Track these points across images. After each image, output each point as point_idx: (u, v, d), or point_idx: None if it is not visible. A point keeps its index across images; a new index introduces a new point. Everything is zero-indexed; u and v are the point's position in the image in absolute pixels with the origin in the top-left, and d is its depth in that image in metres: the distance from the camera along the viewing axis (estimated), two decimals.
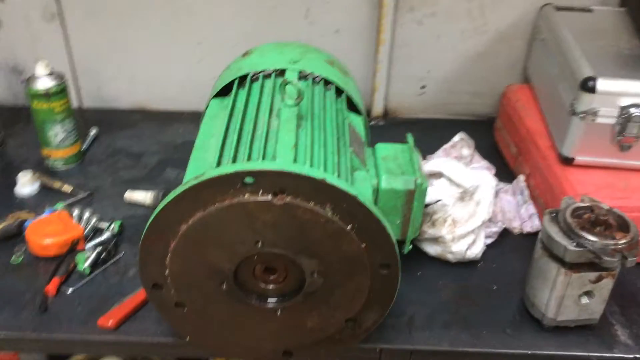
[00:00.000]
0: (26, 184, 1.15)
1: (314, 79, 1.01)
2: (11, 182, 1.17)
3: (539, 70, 1.27)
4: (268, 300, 0.82)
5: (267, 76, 1.01)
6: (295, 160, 0.79)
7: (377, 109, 1.43)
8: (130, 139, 1.35)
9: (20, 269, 1.00)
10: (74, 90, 1.43)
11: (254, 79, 1.00)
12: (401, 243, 0.95)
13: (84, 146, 1.29)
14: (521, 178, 1.18)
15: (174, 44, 1.38)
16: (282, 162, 0.76)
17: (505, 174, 1.26)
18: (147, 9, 1.34)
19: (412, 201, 0.90)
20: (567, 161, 1.07)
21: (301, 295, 0.80)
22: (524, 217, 1.13)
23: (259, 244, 0.76)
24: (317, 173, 0.72)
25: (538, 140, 1.15)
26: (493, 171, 1.20)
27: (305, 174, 0.71)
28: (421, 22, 1.34)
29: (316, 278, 0.78)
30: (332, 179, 0.72)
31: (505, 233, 1.12)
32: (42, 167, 1.24)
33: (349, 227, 0.75)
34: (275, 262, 0.79)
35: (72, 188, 1.16)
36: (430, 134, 1.36)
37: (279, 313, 0.82)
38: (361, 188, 0.85)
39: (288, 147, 0.81)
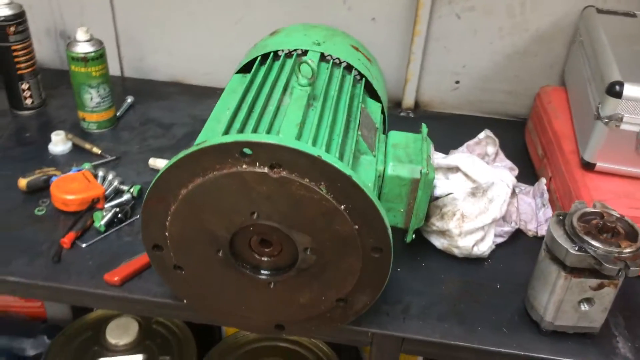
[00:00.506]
0: (59, 143, 1.21)
1: (335, 61, 1.02)
2: (47, 140, 1.23)
3: (574, 72, 1.24)
4: (262, 272, 0.84)
5: (289, 56, 1.02)
6: (298, 137, 0.81)
7: (408, 100, 1.43)
8: (164, 110, 1.39)
9: (42, 220, 1.05)
10: (117, 59, 1.48)
11: (276, 57, 1.02)
12: (405, 231, 0.95)
13: (119, 112, 1.34)
14: (543, 181, 1.15)
15: (213, 21, 1.41)
16: (281, 136, 0.77)
17: (529, 175, 1.24)
18: None
19: (416, 190, 0.90)
20: (588, 166, 1.04)
21: (294, 271, 0.82)
22: (541, 221, 1.11)
23: (255, 215, 0.78)
24: (314, 150, 0.73)
25: (563, 143, 1.12)
26: (515, 172, 1.18)
27: (301, 149, 0.72)
28: (459, 16, 1.33)
29: (309, 255, 0.80)
30: (327, 157, 0.73)
31: (519, 234, 1.10)
32: (77, 129, 1.29)
33: (342, 207, 0.76)
34: (270, 235, 0.81)
35: (100, 151, 1.21)
36: (460, 130, 1.35)
37: (272, 286, 0.84)
38: (364, 172, 0.86)
39: (293, 124, 0.82)
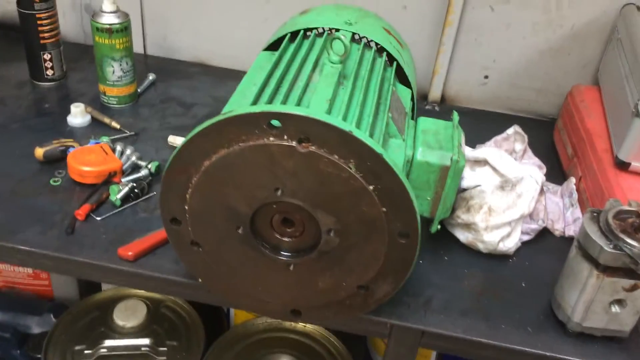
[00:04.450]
0: (77, 115, 1.18)
1: (366, 43, 0.99)
2: (66, 112, 1.21)
3: (610, 70, 1.20)
4: (281, 253, 0.81)
5: (320, 34, 0.99)
6: (328, 113, 0.78)
7: (435, 93, 1.39)
8: (185, 89, 1.37)
9: (57, 191, 1.03)
10: (141, 37, 1.46)
11: (306, 36, 0.99)
12: (430, 221, 0.92)
13: (140, 89, 1.32)
14: (572, 180, 1.12)
15: (242, 1, 1.38)
16: (311, 109, 0.74)
17: (557, 175, 1.20)
18: None
19: (445, 178, 0.87)
20: (622, 166, 1.00)
21: (315, 253, 0.79)
22: (569, 221, 1.07)
23: (279, 192, 0.74)
24: (345, 125, 0.70)
25: (596, 142, 1.09)
26: (544, 170, 1.14)
27: (332, 124, 0.69)
28: (493, 8, 1.29)
29: (332, 237, 0.77)
30: (359, 134, 0.70)
31: (545, 233, 1.06)
32: (97, 103, 1.27)
33: (371, 188, 0.72)
34: (293, 215, 0.78)
35: (119, 125, 1.19)
36: (485, 126, 1.31)
37: (291, 268, 0.81)
38: (393, 154, 0.83)
39: (323, 100, 0.79)
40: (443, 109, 1.41)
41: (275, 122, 0.70)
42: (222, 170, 0.75)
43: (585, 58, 1.32)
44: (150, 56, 1.49)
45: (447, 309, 0.90)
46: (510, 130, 1.19)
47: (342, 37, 0.84)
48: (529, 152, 1.18)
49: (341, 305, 0.83)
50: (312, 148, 0.71)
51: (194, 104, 1.32)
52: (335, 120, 0.70)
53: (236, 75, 1.42)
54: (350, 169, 0.71)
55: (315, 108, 0.77)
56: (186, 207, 0.79)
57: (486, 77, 1.38)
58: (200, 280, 0.86)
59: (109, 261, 0.91)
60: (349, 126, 0.70)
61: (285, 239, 0.80)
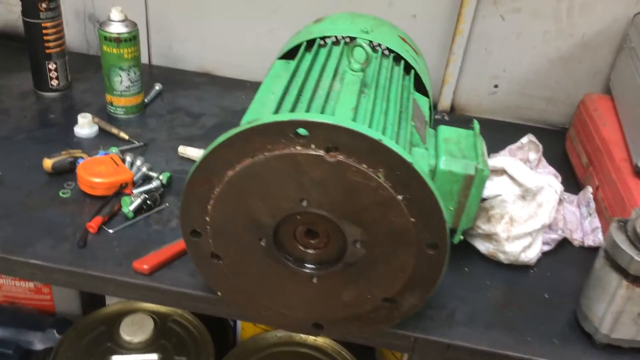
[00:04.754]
0: (85, 126, 1.16)
1: (383, 51, 0.97)
2: (72, 122, 1.18)
3: (623, 79, 1.19)
4: (305, 265, 0.79)
5: (336, 43, 0.98)
6: (353, 121, 0.76)
7: (445, 102, 1.38)
8: (192, 100, 1.35)
9: (67, 203, 1.00)
10: (146, 46, 1.44)
11: (322, 44, 0.97)
12: (452, 232, 0.90)
13: (147, 99, 1.29)
14: (589, 189, 1.10)
15: (248, 11, 1.37)
16: (338, 117, 0.72)
17: (572, 185, 1.19)
18: None
19: (469, 187, 0.85)
20: None
21: (340, 265, 0.77)
22: (587, 230, 1.06)
23: (304, 203, 0.72)
24: (374, 133, 0.68)
25: (613, 151, 1.07)
26: (559, 179, 1.13)
27: (361, 132, 0.68)
28: (503, 17, 1.29)
29: (358, 248, 0.75)
30: (388, 142, 0.68)
31: (564, 243, 1.05)
32: (103, 114, 1.25)
33: (400, 197, 0.71)
34: (318, 226, 0.76)
35: (128, 136, 1.17)
36: (496, 136, 1.29)
37: (315, 281, 0.79)
38: (418, 163, 0.81)
39: (347, 108, 0.77)
40: (453, 118, 1.40)
41: (302, 131, 0.68)
42: (246, 180, 0.73)
43: (596, 67, 1.32)
44: (155, 66, 1.47)
45: (471, 322, 0.88)
46: (524, 140, 1.18)
47: (364, 44, 0.82)
48: (544, 162, 1.17)
49: (365, 318, 0.81)
50: (341, 157, 0.69)
51: (202, 114, 1.30)
52: (364, 128, 0.68)
53: (243, 86, 1.42)
54: (379, 178, 0.70)
55: (340, 116, 0.75)
56: (207, 219, 0.77)
57: (496, 86, 1.37)
58: (219, 293, 0.84)
59: (124, 275, 0.89)
60: (378, 135, 0.69)
61: (309, 251, 0.78)
